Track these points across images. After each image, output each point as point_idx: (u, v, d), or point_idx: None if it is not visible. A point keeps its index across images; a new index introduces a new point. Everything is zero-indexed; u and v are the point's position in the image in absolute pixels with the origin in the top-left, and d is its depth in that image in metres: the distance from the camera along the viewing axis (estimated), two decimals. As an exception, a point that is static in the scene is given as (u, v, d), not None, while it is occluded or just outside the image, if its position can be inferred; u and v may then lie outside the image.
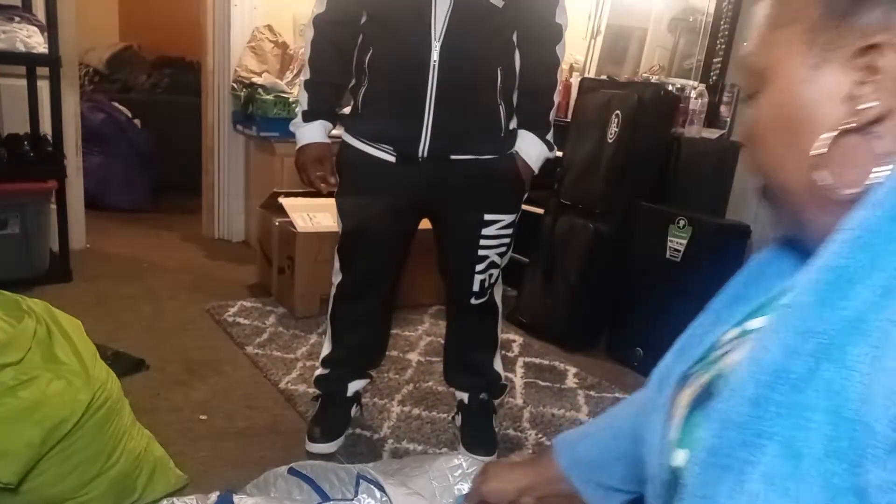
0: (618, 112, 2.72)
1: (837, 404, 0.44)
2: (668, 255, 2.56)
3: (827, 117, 0.53)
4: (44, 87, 2.96)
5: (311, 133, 1.76)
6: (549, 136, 1.78)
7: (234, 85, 3.59)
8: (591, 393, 2.41)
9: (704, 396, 0.59)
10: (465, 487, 1.05)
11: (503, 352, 2.40)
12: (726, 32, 2.88)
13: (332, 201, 1.85)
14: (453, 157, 1.68)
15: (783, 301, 0.50)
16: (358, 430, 2.00)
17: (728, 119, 2.86)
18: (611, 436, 0.84)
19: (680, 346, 0.70)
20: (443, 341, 2.09)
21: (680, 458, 0.58)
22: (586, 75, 3.36)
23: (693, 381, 0.62)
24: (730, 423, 0.49)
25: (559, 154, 2.67)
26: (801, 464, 0.44)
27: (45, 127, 3.02)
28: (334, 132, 1.80)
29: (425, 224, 1.85)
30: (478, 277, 1.80)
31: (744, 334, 0.61)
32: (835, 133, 0.52)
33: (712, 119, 2.87)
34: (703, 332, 0.68)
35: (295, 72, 3.55)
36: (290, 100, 3.37)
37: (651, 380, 0.73)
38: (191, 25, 4.01)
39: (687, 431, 0.59)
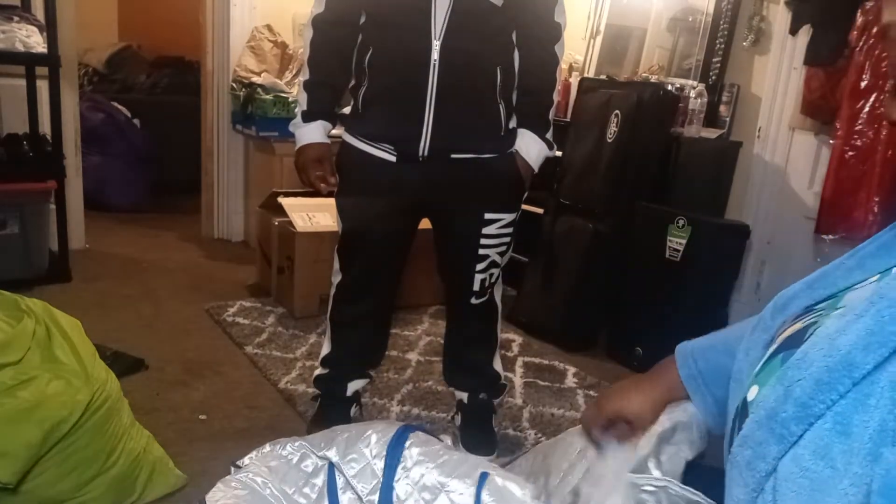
0: (617, 112, 2.72)
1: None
2: (667, 255, 2.56)
3: None
4: (43, 86, 2.96)
5: (311, 133, 1.76)
6: (549, 135, 1.78)
7: (234, 85, 3.59)
8: (591, 392, 2.41)
9: (796, 339, 0.58)
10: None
11: (503, 351, 2.40)
12: (725, 32, 2.88)
13: (331, 201, 1.84)
14: (453, 156, 1.68)
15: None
16: (357, 430, 2.00)
17: (727, 119, 2.86)
18: (723, 351, 0.83)
19: (812, 279, 0.66)
20: (442, 341, 2.08)
21: (752, 392, 0.58)
22: (586, 75, 3.35)
23: (806, 319, 0.60)
24: (792, 397, 0.50)
25: (559, 153, 2.67)
26: (849, 441, 0.45)
27: (45, 127, 3.02)
28: (334, 132, 1.79)
29: (425, 224, 1.85)
30: (478, 277, 1.80)
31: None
32: None
33: (711, 119, 2.88)
34: (841, 273, 0.64)
35: (294, 71, 3.54)
36: (290, 99, 3.36)
37: (772, 301, 0.70)
38: (190, 25, 4.01)
39: (763, 369, 0.59)
